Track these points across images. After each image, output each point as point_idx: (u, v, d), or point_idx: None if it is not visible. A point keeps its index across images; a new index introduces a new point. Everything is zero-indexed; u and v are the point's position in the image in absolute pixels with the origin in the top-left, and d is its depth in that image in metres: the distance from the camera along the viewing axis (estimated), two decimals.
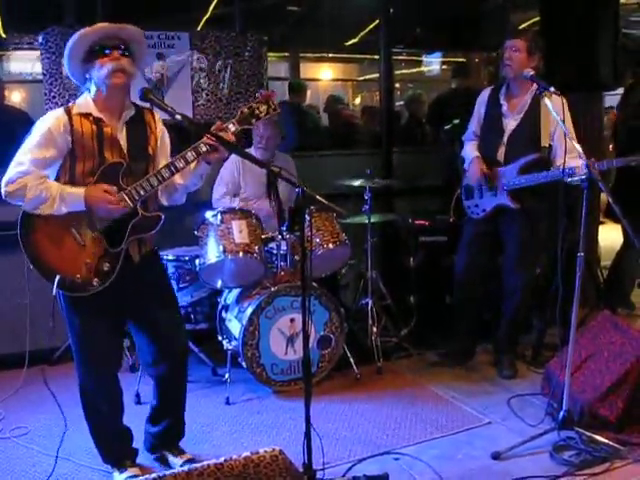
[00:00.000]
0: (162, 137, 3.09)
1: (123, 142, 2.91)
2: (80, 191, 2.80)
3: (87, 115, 2.85)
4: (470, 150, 4.25)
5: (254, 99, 3.09)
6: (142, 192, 2.85)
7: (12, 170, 2.77)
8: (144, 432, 3.32)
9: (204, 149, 2.88)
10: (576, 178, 3.18)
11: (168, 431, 3.26)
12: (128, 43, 2.85)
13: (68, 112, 2.85)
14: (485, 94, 4.23)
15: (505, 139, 4.05)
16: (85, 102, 2.89)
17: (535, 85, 3.69)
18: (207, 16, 5.83)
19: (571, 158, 3.44)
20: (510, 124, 4.04)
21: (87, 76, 2.87)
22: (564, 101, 3.50)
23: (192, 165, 2.94)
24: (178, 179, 3.01)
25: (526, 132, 3.98)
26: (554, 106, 3.37)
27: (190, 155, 2.88)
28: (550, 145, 3.93)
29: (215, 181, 4.63)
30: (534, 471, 3.08)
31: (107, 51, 2.78)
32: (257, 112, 2.99)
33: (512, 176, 3.97)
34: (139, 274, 2.99)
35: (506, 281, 4.22)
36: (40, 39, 4.56)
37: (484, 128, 4.21)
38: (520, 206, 4.00)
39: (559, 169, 3.54)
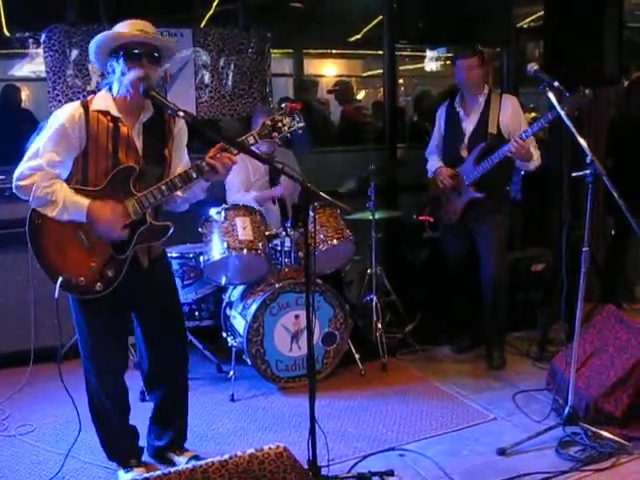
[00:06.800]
0: (180, 138, 3.02)
1: (139, 144, 2.85)
2: (84, 203, 2.74)
3: (105, 113, 2.79)
4: (433, 162, 4.52)
5: (279, 110, 2.90)
6: (152, 200, 2.81)
7: (24, 165, 2.73)
8: (146, 440, 3.30)
9: (206, 169, 2.81)
10: (580, 173, 3.20)
11: (171, 443, 3.24)
12: (160, 50, 2.80)
13: (85, 107, 2.78)
14: (442, 109, 4.51)
15: (466, 140, 4.31)
16: (104, 99, 2.81)
17: (487, 87, 4.25)
18: (210, 13, 5.81)
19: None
20: (469, 127, 4.31)
21: (110, 69, 2.80)
22: (516, 99, 4.29)
23: None
24: (179, 192, 2.93)
25: (483, 129, 4.24)
26: (510, 104, 4.20)
27: (205, 166, 2.82)
28: (500, 133, 4.19)
29: (225, 184, 4.54)
30: (539, 467, 3.08)
31: (137, 51, 2.71)
32: (280, 125, 2.84)
33: (470, 170, 4.20)
34: (147, 279, 2.98)
35: (483, 270, 4.37)
36: (43, 37, 4.55)
37: (447, 136, 4.47)
38: (484, 194, 4.20)
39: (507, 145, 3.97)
